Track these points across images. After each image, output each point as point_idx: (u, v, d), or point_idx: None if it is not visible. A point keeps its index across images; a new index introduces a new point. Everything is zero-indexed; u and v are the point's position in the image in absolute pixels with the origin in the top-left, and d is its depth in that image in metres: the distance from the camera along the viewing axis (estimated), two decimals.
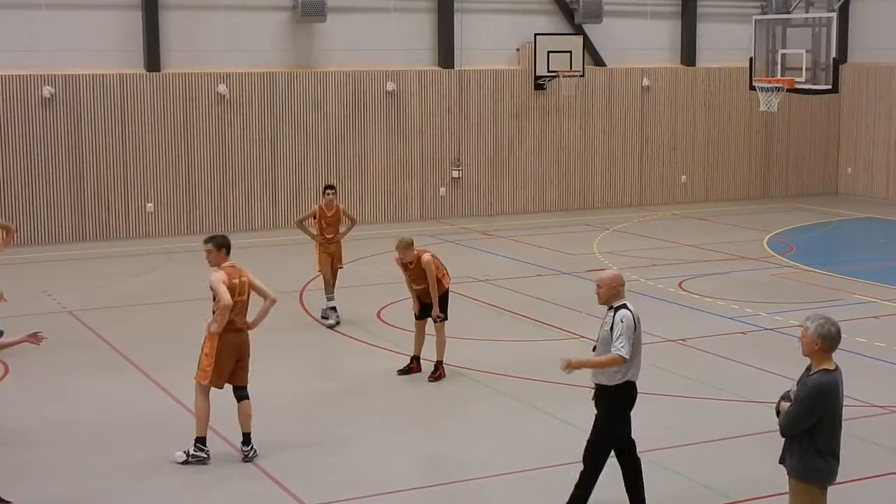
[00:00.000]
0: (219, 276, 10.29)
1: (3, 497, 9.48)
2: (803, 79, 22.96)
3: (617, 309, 8.82)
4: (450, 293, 13.34)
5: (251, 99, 23.82)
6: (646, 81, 27.62)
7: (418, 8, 25.51)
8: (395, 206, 25.37)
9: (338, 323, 15.73)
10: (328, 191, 16.15)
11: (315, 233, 15.94)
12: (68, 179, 22.43)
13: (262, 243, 22.24)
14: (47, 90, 22.08)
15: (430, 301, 13.04)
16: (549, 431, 11.38)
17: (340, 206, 16.33)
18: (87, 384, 13.14)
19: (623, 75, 27.43)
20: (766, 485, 9.45)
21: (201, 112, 23.39)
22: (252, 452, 10.55)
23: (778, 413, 7.48)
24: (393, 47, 25.20)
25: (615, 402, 8.91)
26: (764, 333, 15.42)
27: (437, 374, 13.16)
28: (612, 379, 8.82)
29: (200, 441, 10.49)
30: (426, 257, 12.92)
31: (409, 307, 13.57)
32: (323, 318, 16.01)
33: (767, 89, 23.44)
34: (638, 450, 9.15)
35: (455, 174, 25.82)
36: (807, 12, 25.14)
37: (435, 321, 13.08)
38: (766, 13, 26.19)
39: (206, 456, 10.49)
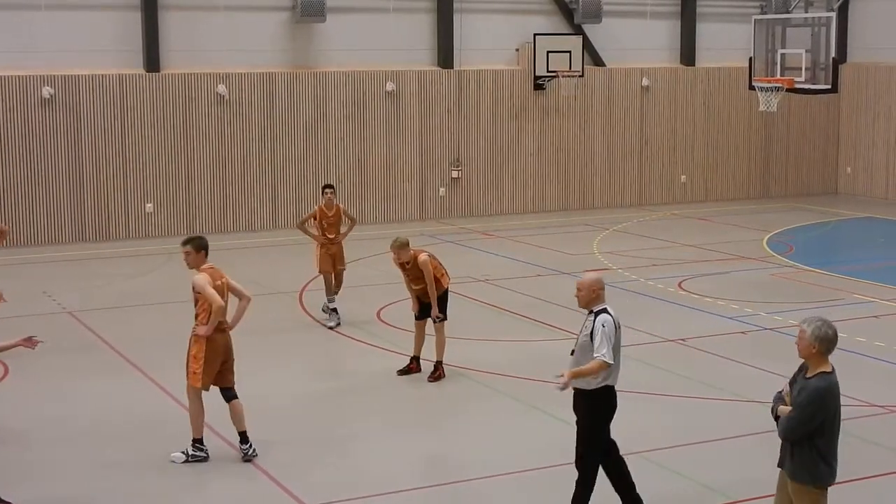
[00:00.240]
0: (205, 279, 10.30)
1: (2, 497, 9.48)
2: (803, 79, 22.93)
3: (598, 314, 8.70)
4: (449, 293, 13.35)
5: (251, 99, 23.80)
6: (645, 81, 27.61)
7: (418, 8, 25.50)
8: (395, 206, 25.36)
9: (338, 324, 15.73)
10: (327, 190, 16.10)
11: (316, 233, 15.93)
12: (68, 180, 22.41)
13: (261, 244, 22.25)
14: (47, 91, 22.07)
15: (430, 301, 13.05)
16: (549, 431, 11.34)
17: (340, 205, 16.32)
18: (87, 384, 13.14)
19: (622, 75, 27.42)
20: (766, 485, 9.38)
21: (201, 112, 23.38)
22: (251, 451, 10.54)
23: (775, 416, 7.48)
24: (392, 47, 25.19)
25: (594, 406, 8.79)
26: (763, 333, 15.42)
27: (437, 374, 13.16)
28: (591, 384, 8.70)
29: (198, 441, 10.51)
30: (423, 257, 12.90)
31: (408, 307, 13.56)
32: (322, 311, 16.03)
33: (767, 89, 23.42)
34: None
35: (454, 174, 25.82)
36: (806, 12, 25.11)
37: (434, 321, 13.08)
38: (765, 13, 26.18)
39: (205, 455, 10.50)
